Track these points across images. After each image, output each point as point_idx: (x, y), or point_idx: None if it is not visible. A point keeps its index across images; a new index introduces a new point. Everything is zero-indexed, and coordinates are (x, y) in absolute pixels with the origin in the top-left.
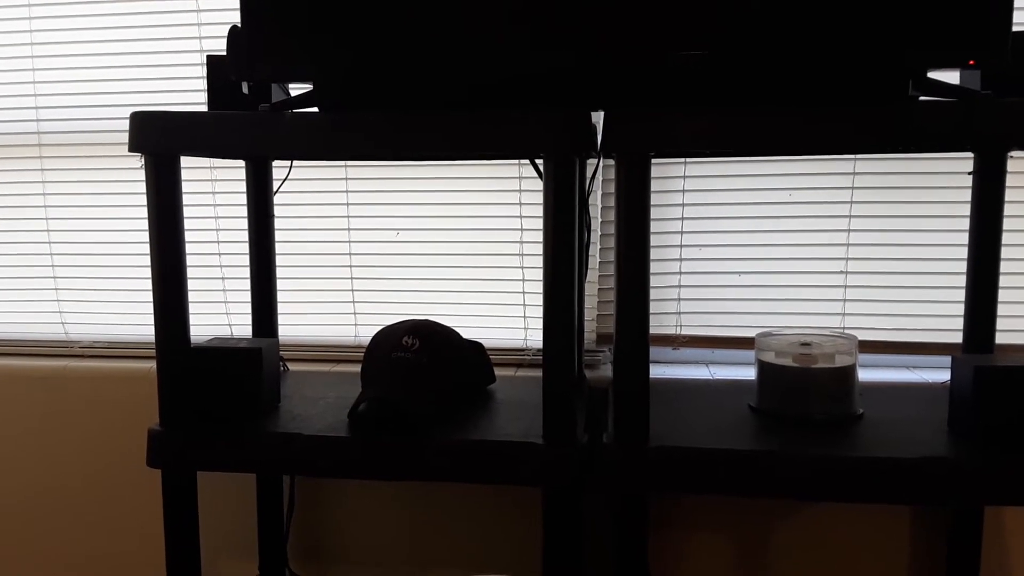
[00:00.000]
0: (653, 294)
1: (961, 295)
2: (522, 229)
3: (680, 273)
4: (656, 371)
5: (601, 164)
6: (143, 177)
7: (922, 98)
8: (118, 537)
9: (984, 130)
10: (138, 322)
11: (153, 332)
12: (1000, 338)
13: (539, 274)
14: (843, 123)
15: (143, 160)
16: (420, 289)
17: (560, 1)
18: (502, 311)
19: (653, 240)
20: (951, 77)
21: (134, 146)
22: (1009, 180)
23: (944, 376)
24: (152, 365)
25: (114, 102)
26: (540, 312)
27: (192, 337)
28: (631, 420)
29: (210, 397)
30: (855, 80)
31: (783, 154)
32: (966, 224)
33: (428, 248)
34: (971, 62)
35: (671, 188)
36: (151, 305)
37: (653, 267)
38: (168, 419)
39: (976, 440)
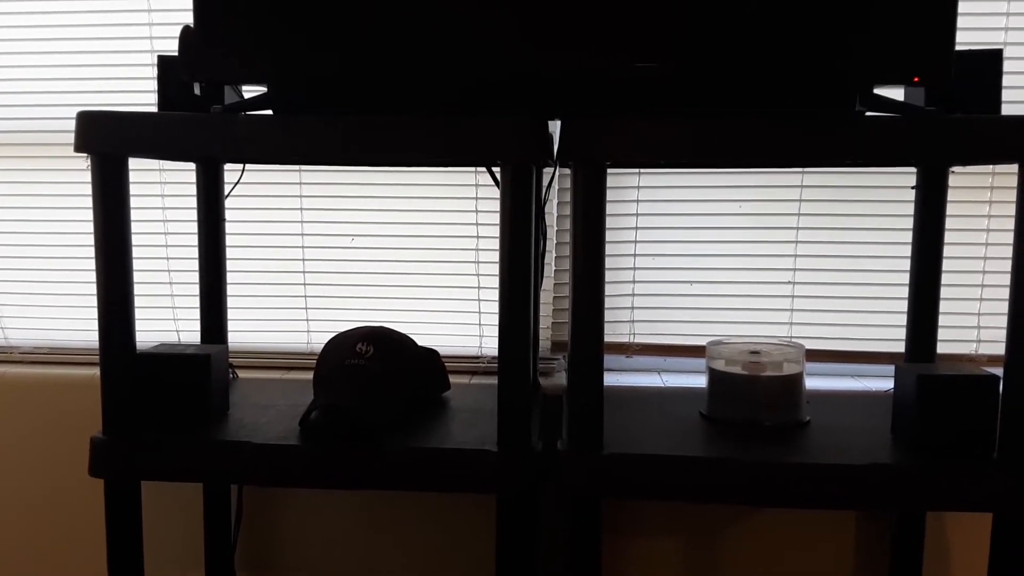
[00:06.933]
0: (607, 303)
1: (904, 306)
2: (478, 236)
3: (634, 282)
4: (610, 379)
5: (557, 173)
6: (89, 178)
7: (868, 113)
8: (60, 548)
9: (926, 146)
10: (82, 327)
11: (97, 338)
12: (941, 348)
13: (494, 281)
14: (791, 136)
15: (89, 161)
16: (375, 296)
17: (518, 10)
18: (457, 318)
19: (607, 249)
20: (896, 94)
21: (80, 146)
22: (951, 195)
23: (888, 384)
24: (96, 372)
25: (60, 101)
26: (495, 319)
27: (138, 343)
28: (585, 427)
29: (156, 405)
30: (801, 95)
31: (735, 166)
32: (909, 237)
33: (383, 254)
34: (915, 79)
35: (625, 198)
36: (95, 310)
37: (607, 276)
38: (112, 427)
39: (918, 447)
